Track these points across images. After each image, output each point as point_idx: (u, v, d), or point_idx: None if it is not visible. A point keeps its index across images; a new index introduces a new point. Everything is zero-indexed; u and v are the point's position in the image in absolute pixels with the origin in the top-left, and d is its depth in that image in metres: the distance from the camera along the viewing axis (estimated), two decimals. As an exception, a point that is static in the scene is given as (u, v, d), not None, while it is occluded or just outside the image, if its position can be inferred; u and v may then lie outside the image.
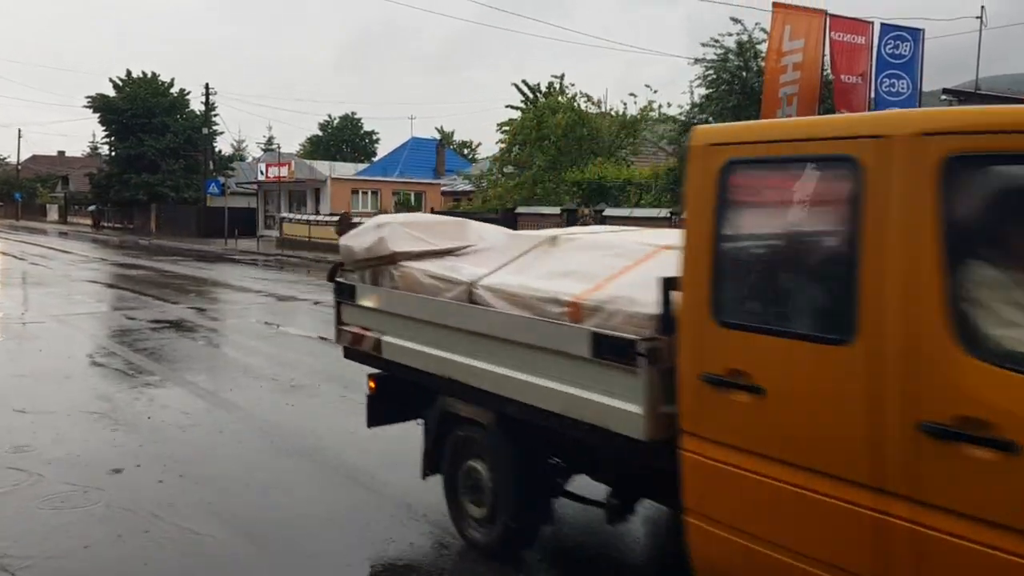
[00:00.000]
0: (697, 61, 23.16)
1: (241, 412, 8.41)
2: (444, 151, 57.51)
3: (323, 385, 9.60)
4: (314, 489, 6.17)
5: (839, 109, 21.75)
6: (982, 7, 23.63)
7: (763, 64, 22.16)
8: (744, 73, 22.50)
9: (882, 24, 22.81)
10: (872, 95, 22.55)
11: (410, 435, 7.58)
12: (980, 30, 23.77)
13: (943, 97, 24.39)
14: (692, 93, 23.74)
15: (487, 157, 48.61)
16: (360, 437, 7.57)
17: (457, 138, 76.44)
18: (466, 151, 75.03)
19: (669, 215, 22.54)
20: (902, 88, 23.00)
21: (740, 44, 22.47)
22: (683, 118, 24.16)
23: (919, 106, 23.49)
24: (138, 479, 6.29)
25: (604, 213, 24.37)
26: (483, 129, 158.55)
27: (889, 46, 22.83)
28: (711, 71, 22.97)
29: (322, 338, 13.41)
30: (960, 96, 23.75)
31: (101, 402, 8.67)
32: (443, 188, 49.19)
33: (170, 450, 7.04)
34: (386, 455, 6.99)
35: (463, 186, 47.45)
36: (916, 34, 23.08)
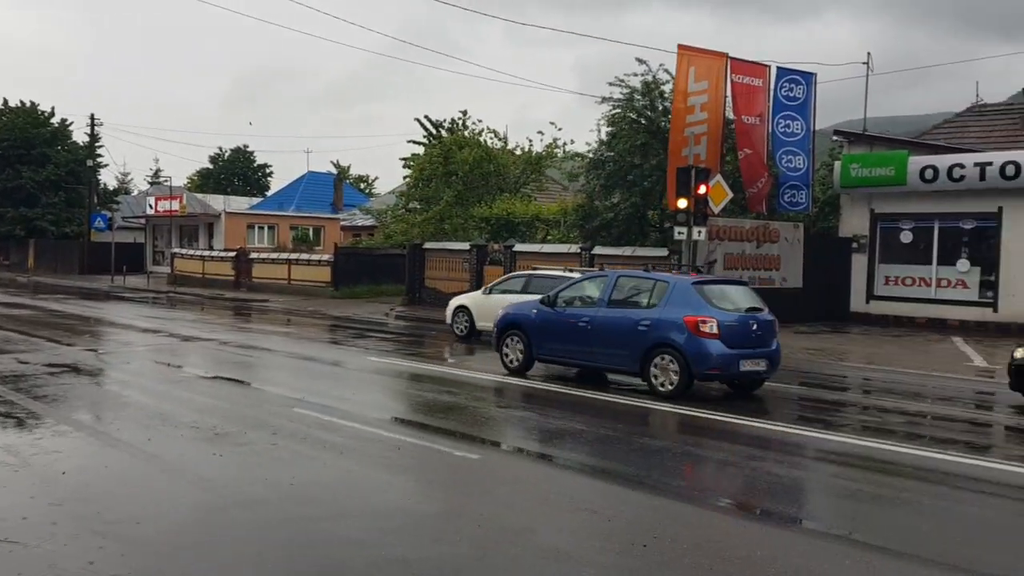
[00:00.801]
0: (604, 100, 23.60)
1: (165, 464, 7.84)
2: (342, 185, 56.73)
3: (249, 432, 9.07)
4: (259, 547, 5.74)
5: (741, 149, 22.54)
6: (868, 53, 25.00)
7: (669, 104, 22.73)
8: (650, 112, 23.01)
9: (778, 68, 23.82)
10: (769, 134, 23.45)
11: (350, 479, 7.20)
12: (867, 75, 25.11)
13: (835, 138, 25.59)
14: (599, 131, 24.14)
15: (390, 191, 48.26)
16: (300, 487, 7.15)
17: (354, 172, 75.61)
18: (363, 186, 74.29)
19: (579, 251, 22.75)
20: (797, 129, 23.99)
21: (646, 84, 23.00)
22: (591, 155, 24.52)
23: (812, 146, 24.55)
24: (63, 543, 5.70)
25: (514, 249, 24.41)
26: (380, 164, 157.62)
27: (784, 88, 23.84)
28: (618, 109, 23.42)
29: (234, 380, 12.80)
30: (849, 137, 24.94)
31: (5, 454, 7.93)
32: (342, 223, 48.47)
33: (95, 509, 6.44)
34: (334, 504, 6.61)
35: (363, 221, 46.91)
36: (809, 78, 24.18)
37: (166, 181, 52.09)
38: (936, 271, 22.97)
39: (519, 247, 24.52)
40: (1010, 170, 21.02)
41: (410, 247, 27.30)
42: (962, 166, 21.74)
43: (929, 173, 22.26)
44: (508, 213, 26.97)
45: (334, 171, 65.86)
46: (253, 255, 36.11)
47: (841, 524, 6.55)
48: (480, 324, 18.60)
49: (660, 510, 6.79)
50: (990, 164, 21.39)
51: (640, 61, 23.09)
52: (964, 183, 21.70)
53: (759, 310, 12.18)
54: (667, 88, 23.15)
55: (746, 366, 11.68)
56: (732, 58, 22.20)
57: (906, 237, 23.56)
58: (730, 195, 20.52)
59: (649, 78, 23.14)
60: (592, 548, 5.82)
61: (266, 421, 9.67)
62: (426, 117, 37.38)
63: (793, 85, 23.90)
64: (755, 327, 11.85)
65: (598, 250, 22.58)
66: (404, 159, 35.61)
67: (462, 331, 19.22)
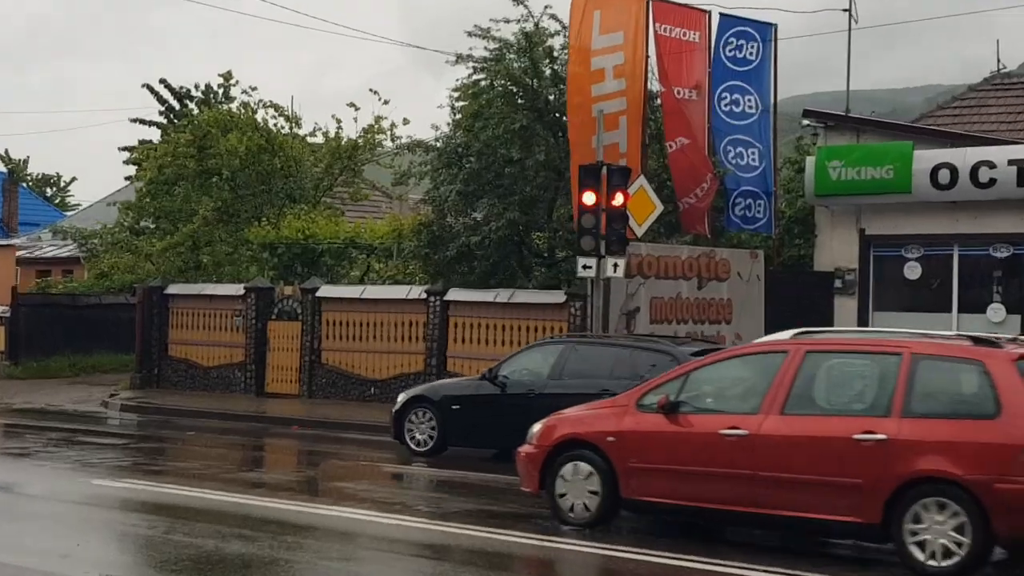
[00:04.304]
0: (460, 59, 23.42)
1: None
2: (17, 192, 54.63)
3: None
4: None
5: (673, 138, 22.72)
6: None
7: (560, 67, 22.84)
8: (533, 80, 23.01)
9: (721, 15, 24.36)
10: (710, 114, 23.87)
11: None
12: (849, 28, 26.01)
13: (805, 123, 26.43)
14: (453, 108, 23.91)
15: (103, 200, 46.44)
16: None
17: (35, 170, 73.03)
18: (51, 191, 71.87)
19: (426, 296, 22.42)
20: (749, 107, 24.52)
21: (526, 36, 23.00)
22: (440, 145, 24.20)
23: (774, 134, 25.21)
24: None
25: (319, 293, 23.85)
26: (82, 156, 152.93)
27: (730, 47, 24.43)
28: (483, 75, 23.31)
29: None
30: (826, 121, 25.70)
31: None
32: (20, 253, 46.31)
33: None
34: None
35: (55, 250, 45.08)
36: (766, 31, 24.85)
37: None
38: (958, 320, 23.88)
39: (326, 291, 23.97)
40: (1063, 170, 22.19)
41: (144, 292, 26.33)
42: (992, 165, 22.74)
43: (944, 175, 23.17)
44: (306, 236, 26.36)
45: (2, 169, 63.31)
46: None
47: None
48: None
49: None
50: (1034, 161, 22.50)
51: (517, 2, 23.02)
52: (995, 189, 22.70)
53: None
54: (557, 42, 23.27)
55: None
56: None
57: (912, 271, 24.41)
58: (659, 208, 20.75)
59: (529, 27, 23.18)
60: None
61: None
62: (162, 82, 36.43)
63: (744, 41, 24.54)
64: None
65: (454, 294, 22.31)
66: (128, 149, 34.53)
67: None
